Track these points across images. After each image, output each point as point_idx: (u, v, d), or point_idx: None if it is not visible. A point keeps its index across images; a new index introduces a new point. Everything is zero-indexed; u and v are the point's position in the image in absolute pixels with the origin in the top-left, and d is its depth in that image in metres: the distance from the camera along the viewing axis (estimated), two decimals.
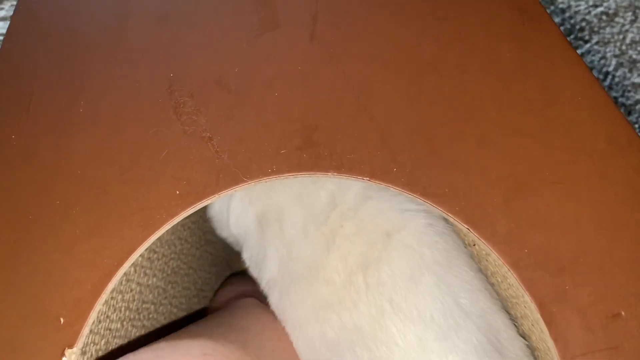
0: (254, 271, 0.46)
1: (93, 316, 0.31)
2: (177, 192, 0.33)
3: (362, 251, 0.38)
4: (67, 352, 0.31)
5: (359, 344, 0.37)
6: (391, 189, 0.33)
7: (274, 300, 0.43)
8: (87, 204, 0.33)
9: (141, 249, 0.32)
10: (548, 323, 0.31)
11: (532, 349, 0.41)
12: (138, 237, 0.32)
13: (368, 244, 0.38)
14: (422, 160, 0.34)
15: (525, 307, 0.38)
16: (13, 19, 0.37)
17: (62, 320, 0.31)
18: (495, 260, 0.38)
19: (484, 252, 0.41)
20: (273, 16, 0.37)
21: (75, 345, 0.31)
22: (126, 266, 0.32)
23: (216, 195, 0.33)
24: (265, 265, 0.43)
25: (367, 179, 0.33)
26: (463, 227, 0.33)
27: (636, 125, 0.70)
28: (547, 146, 0.33)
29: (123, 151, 0.34)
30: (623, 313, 0.30)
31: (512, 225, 0.32)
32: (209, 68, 0.36)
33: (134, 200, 0.33)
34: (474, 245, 0.44)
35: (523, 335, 0.40)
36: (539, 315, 0.31)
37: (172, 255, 0.43)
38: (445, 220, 0.41)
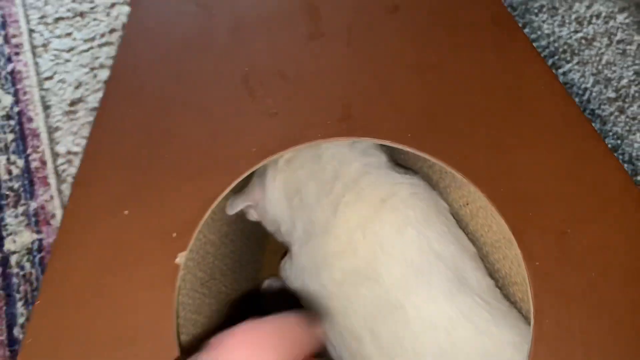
0: (288, 239, 0.59)
1: (195, 233, 0.45)
2: (254, 149, 0.47)
3: (360, 214, 0.52)
4: (180, 254, 0.44)
5: (358, 282, 0.51)
6: (407, 149, 0.47)
7: (295, 251, 0.56)
8: (193, 158, 0.47)
9: (228, 189, 0.46)
10: (519, 242, 0.44)
11: (507, 288, 0.54)
12: (226, 179, 0.46)
13: (366, 208, 0.52)
14: (429, 129, 0.48)
15: (505, 246, 0.51)
16: (127, 26, 0.51)
17: (174, 234, 0.45)
18: (483, 214, 0.51)
19: (474, 210, 0.54)
20: (319, 28, 0.52)
21: (185, 250, 0.44)
22: (216, 202, 0.46)
23: (281, 152, 0.47)
24: (295, 231, 0.57)
25: (389, 141, 0.47)
26: (458, 174, 0.46)
27: (610, 133, 0.83)
28: (509, 117, 0.47)
29: (212, 123, 0.48)
30: (569, 231, 0.43)
31: (494, 171, 0.46)
32: (273, 64, 0.51)
33: (222, 154, 0.47)
34: (467, 204, 0.57)
35: (502, 279, 0.53)
36: (514, 240, 0.44)
37: (223, 239, 0.57)
38: (430, 189, 0.55)
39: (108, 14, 1.13)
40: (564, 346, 0.40)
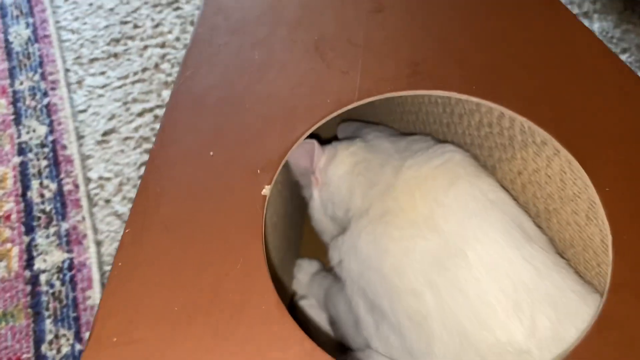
0: (343, 213, 0.62)
1: (278, 169, 0.47)
2: (328, 100, 0.51)
3: (418, 174, 0.57)
4: (266, 187, 0.46)
5: (416, 235, 0.53)
6: (472, 99, 0.51)
7: (352, 225, 0.58)
8: (273, 108, 0.50)
9: (306, 134, 0.49)
10: (588, 171, 0.47)
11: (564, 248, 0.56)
12: (303, 125, 0.49)
13: (424, 170, 0.57)
14: (492, 81, 0.52)
15: (559, 209, 0.53)
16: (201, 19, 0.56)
17: (258, 171, 0.47)
18: (537, 179, 0.54)
19: (526, 179, 0.57)
20: (380, 3, 0.57)
21: (270, 184, 0.46)
22: (296, 144, 0.49)
23: (355, 103, 0.50)
24: (352, 200, 0.59)
25: (456, 93, 0.51)
26: (521, 118, 0.50)
27: None
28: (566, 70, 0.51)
29: (290, 79, 0.52)
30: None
31: (557, 114, 0.49)
32: (340, 33, 0.55)
33: (300, 105, 0.51)
34: (520, 174, 0.60)
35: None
36: (583, 171, 0.47)
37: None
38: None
39: (141, 55, 1.19)
40: None
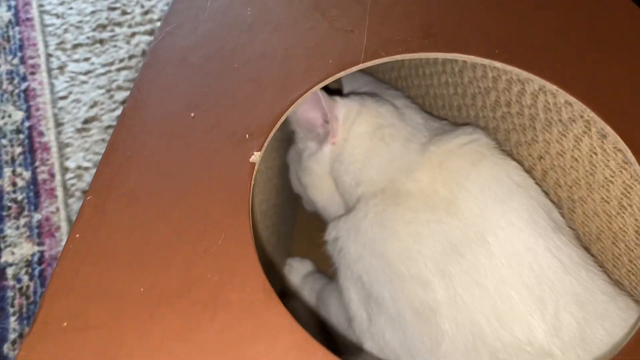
0: (353, 187, 0.54)
1: (271, 134, 0.40)
2: (330, 61, 0.44)
3: (439, 154, 0.50)
4: (255, 154, 0.39)
5: (431, 219, 0.47)
6: (495, 64, 0.44)
7: (362, 202, 0.51)
8: (267, 69, 0.44)
9: (303, 97, 0.43)
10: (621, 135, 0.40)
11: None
12: (302, 87, 0.43)
13: (446, 151, 0.50)
14: (516, 46, 0.46)
15: (584, 198, 0.47)
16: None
17: (247, 135, 0.40)
18: (560, 164, 0.48)
19: (548, 165, 0.51)
20: None
21: (260, 151, 0.40)
22: (291, 108, 0.42)
23: (361, 65, 0.44)
24: (365, 172, 0.53)
25: (477, 57, 0.45)
26: (549, 84, 0.43)
27: None
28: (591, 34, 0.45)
29: (287, 38, 0.46)
30: None
31: (585, 79, 0.43)
32: None
33: (297, 66, 0.44)
34: (541, 158, 0.53)
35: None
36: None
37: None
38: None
39: (128, 42, 1.13)
40: None
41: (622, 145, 0.41)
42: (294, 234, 0.78)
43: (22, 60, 1.08)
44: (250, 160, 0.39)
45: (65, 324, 0.32)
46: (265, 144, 0.40)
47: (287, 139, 0.65)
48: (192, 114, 0.41)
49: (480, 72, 0.54)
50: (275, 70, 0.44)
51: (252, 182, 0.38)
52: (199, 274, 0.34)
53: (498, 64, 0.44)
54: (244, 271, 0.34)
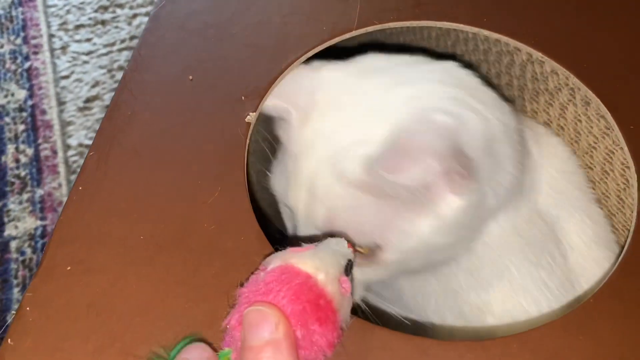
0: None
1: (266, 96, 0.42)
2: (324, 28, 0.46)
3: None
4: (251, 114, 0.41)
5: None
6: (484, 32, 0.46)
7: None
8: (262, 35, 0.45)
9: (298, 61, 0.44)
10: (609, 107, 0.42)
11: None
12: (296, 52, 0.44)
13: None
14: (504, 14, 0.47)
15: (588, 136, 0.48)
16: None
17: (243, 97, 0.42)
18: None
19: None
20: None
21: (255, 112, 0.41)
22: (286, 71, 0.44)
23: (354, 32, 0.46)
24: None
25: (465, 25, 0.46)
26: (537, 53, 0.45)
27: None
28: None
29: (282, 7, 0.48)
30: None
31: (573, 48, 0.45)
32: None
33: (292, 33, 0.46)
34: None
35: None
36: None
37: None
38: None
39: (129, 23, 1.14)
40: None
41: (603, 109, 0.43)
42: None
43: (25, 40, 1.09)
44: (246, 120, 0.41)
45: (69, 268, 0.34)
46: (261, 105, 0.41)
47: None
48: (190, 77, 0.43)
49: (472, 45, 0.56)
50: (272, 36, 0.46)
51: (248, 141, 0.40)
52: (197, 224, 0.36)
53: (486, 32, 0.46)
54: (239, 221, 0.36)
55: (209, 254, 0.35)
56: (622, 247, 0.40)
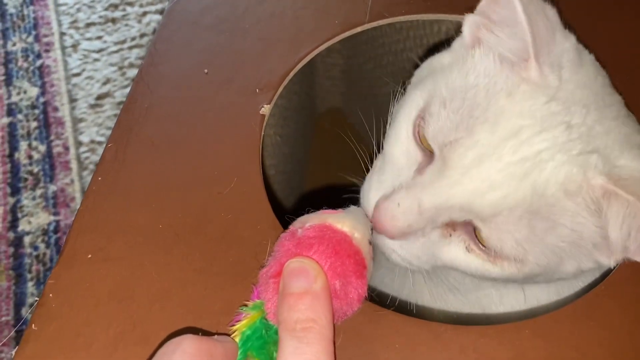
0: None
1: (279, 91, 0.43)
2: (336, 21, 0.47)
3: None
4: (265, 106, 0.42)
5: None
6: None
7: None
8: (276, 28, 0.46)
9: (312, 54, 0.45)
10: None
11: None
12: (309, 46, 0.45)
13: None
14: None
15: None
16: None
17: (257, 90, 0.43)
18: None
19: None
20: None
21: (269, 104, 0.42)
22: (300, 64, 0.44)
23: (366, 25, 0.46)
24: None
25: None
26: None
27: None
28: None
29: (295, 1, 0.48)
30: None
31: None
32: None
33: (306, 26, 0.46)
34: None
35: None
36: None
37: None
38: None
39: (139, 21, 1.15)
40: None
41: None
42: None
43: (37, 39, 1.10)
44: (260, 112, 0.41)
45: (89, 255, 0.35)
46: (275, 98, 0.42)
47: (299, 108, 0.67)
48: (206, 70, 0.44)
49: None
50: (285, 29, 0.46)
51: (262, 132, 0.40)
52: (213, 214, 0.37)
53: None
54: (255, 211, 0.37)
55: (226, 242, 0.35)
56: None
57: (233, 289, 0.34)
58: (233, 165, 0.39)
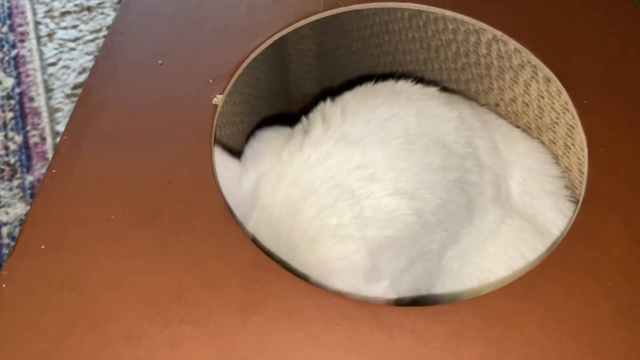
0: None
1: (232, 80, 0.44)
2: (291, 11, 0.47)
3: None
4: (217, 96, 0.43)
5: None
6: (446, 12, 0.47)
7: None
8: (230, 18, 0.47)
9: (265, 44, 0.46)
10: (567, 86, 0.43)
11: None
12: (263, 36, 0.46)
13: None
14: None
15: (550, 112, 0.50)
16: None
17: (210, 80, 0.43)
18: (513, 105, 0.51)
19: (504, 107, 0.53)
20: None
21: (222, 94, 0.43)
22: (253, 55, 0.45)
23: (320, 14, 0.47)
24: None
25: (429, 6, 0.48)
26: (498, 32, 0.46)
27: None
28: None
29: None
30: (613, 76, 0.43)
31: (534, 28, 0.46)
32: None
33: (262, 16, 0.47)
34: (497, 105, 0.56)
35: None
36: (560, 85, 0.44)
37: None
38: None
39: (115, 9, 1.14)
40: (617, 167, 0.38)
41: (559, 86, 0.44)
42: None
43: (11, 28, 1.10)
44: (213, 102, 0.42)
45: (43, 246, 0.36)
46: (228, 88, 0.43)
47: (268, 96, 0.68)
48: (160, 62, 0.44)
49: (441, 24, 0.57)
50: (240, 20, 0.47)
51: (214, 122, 0.41)
52: (165, 203, 0.38)
53: (448, 13, 0.47)
54: (206, 200, 0.38)
55: (177, 232, 0.36)
56: None
57: (183, 277, 0.35)
58: (185, 156, 0.40)
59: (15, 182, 0.93)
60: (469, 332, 0.33)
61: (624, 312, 0.33)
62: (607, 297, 0.34)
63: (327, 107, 0.44)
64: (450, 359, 0.32)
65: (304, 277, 0.37)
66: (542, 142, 0.53)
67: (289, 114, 0.83)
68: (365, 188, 0.39)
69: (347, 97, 0.45)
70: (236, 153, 0.46)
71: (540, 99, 0.50)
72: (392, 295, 0.39)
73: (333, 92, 0.48)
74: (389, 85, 0.47)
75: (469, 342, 0.32)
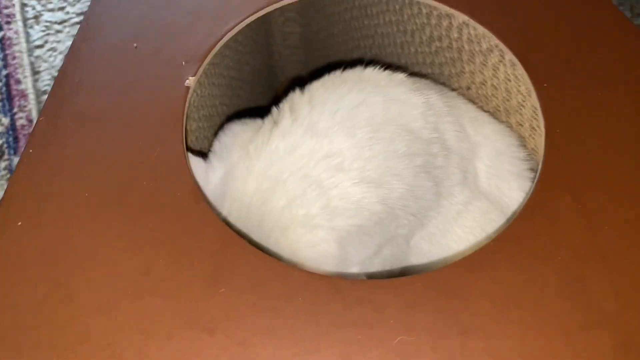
0: None
1: (206, 62, 0.45)
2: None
3: None
4: (190, 78, 0.44)
5: None
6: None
7: None
8: (210, 3, 0.48)
9: (237, 28, 0.47)
10: (528, 69, 0.45)
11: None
12: (237, 18, 0.47)
13: None
14: None
15: (517, 95, 0.51)
16: None
17: (183, 62, 0.45)
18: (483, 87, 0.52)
19: (475, 90, 0.55)
20: None
21: (195, 76, 0.44)
22: (225, 38, 0.46)
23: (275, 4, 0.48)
24: None
25: None
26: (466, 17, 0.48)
27: None
28: None
29: None
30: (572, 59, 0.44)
31: (500, 11, 0.47)
32: None
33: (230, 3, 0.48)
34: (469, 89, 0.58)
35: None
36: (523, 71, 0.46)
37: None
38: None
39: None
40: (572, 148, 0.40)
41: (522, 71, 0.46)
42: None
43: None
44: (185, 84, 0.44)
45: (19, 223, 0.37)
46: (200, 70, 0.44)
47: (251, 78, 0.69)
48: (135, 44, 0.45)
49: (416, 8, 0.58)
50: (213, 2, 0.48)
51: (187, 104, 0.43)
52: (136, 182, 0.39)
53: None
54: (175, 179, 0.39)
55: (147, 209, 0.38)
56: None
57: (152, 251, 0.36)
58: (157, 136, 0.41)
59: (3, 164, 0.94)
60: (423, 303, 0.35)
61: (569, 285, 0.35)
62: (555, 271, 0.35)
63: (295, 98, 0.45)
64: (404, 327, 0.34)
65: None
66: (510, 125, 0.54)
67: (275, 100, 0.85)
68: (333, 178, 0.40)
69: (316, 86, 0.46)
70: (210, 139, 0.47)
71: (507, 82, 0.51)
72: (363, 278, 0.41)
73: (304, 80, 0.49)
74: (357, 72, 0.48)
75: (422, 312, 0.34)
